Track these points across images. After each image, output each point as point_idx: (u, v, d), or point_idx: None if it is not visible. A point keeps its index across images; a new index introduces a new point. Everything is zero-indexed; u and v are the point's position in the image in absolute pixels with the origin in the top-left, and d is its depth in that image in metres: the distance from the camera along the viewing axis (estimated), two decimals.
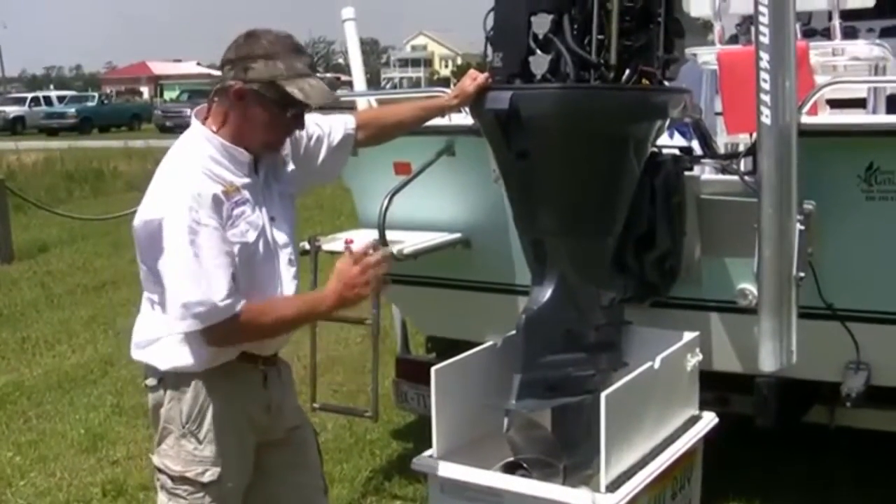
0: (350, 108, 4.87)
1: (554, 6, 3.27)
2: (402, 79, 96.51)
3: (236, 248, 2.72)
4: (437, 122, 3.57)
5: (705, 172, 4.02)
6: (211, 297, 2.63)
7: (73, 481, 5.21)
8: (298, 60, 2.75)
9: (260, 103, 2.74)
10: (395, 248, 4.12)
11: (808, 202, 3.41)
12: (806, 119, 3.38)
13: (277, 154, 2.95)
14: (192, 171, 2.71)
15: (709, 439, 3.73)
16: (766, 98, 3.11)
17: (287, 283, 2.89)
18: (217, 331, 2.67)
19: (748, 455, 4.89)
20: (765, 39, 3.09)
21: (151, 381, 2.89)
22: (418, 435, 5.31)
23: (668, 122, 3.62)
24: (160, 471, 2.88)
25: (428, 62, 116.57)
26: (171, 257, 2.65)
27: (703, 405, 3.80)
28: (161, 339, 2.81)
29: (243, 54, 2.74)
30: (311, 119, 3.11)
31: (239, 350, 2.83)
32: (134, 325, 2.93)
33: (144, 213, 2.70)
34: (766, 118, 3.12)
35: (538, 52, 3.29)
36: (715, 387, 4.00)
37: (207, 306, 2.63)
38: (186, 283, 2.64)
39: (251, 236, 2.76)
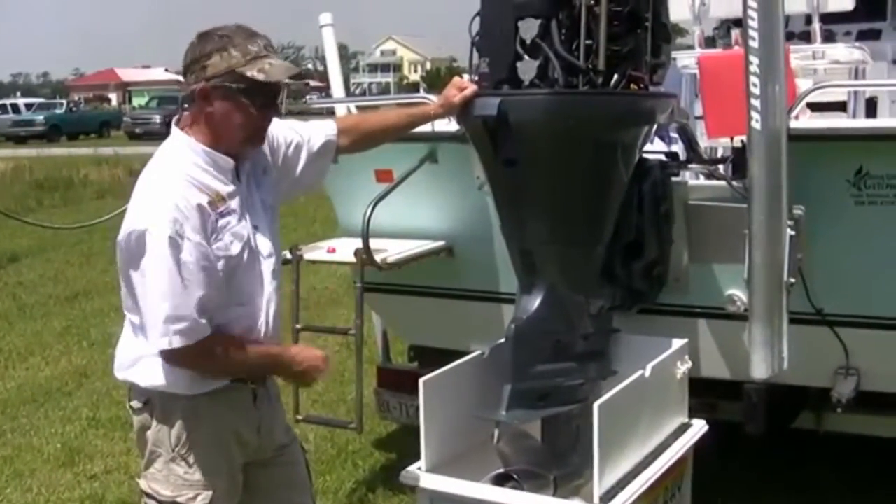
0: (322, 113, 4.83)
1: (541, 11, 3.21)
2: (371, 84, 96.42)
3: (220, 263, 2.66)
4: (418, 128, 3.50)
5: (691, 178, 4.00)
6: (190, 312, 2.58)
7: (50, 497, 5.12)
8: (252, 44, 2.68)
9: (225, 97, 2.67)
10: (378, 257, 4.07)
11: (798, 207, 3.38)
12: (795, 124, 3.35)
13: (259, 158, 2.88)
14: (176, 181, 2.64)
15: (698, 446, 3.70)
16: (755, 103, 3.07)
17: (269, 294, 2.83)
18: (190, 351, 2.60)
19: (737, 462, 4.87)
20: (754, 44, 3.06)
21: (137, 404, 2.82)
22: (401, 445, 5.27)
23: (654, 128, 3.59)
24: (149, 496, 2.81)
25: (397, 67, 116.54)
26: (152, 270, 2.58)
27: (692, 412, 3.78)
28: (143, 358, 2.73)
29: (198, 55, 2.69)
30: (289, 126, 3.05)
31: (225, 378, 2.77)
32: (108, 335, 2.86)
33: (127, 226, 2.62)
34: (756, 123, 3.09)
35: (526, 57, 3.24)
36: (703, 393, 3.97)
37: (187, 321, 2.58)
38: (166, 297, 2.57)
39: (235, 248, 2.70)
